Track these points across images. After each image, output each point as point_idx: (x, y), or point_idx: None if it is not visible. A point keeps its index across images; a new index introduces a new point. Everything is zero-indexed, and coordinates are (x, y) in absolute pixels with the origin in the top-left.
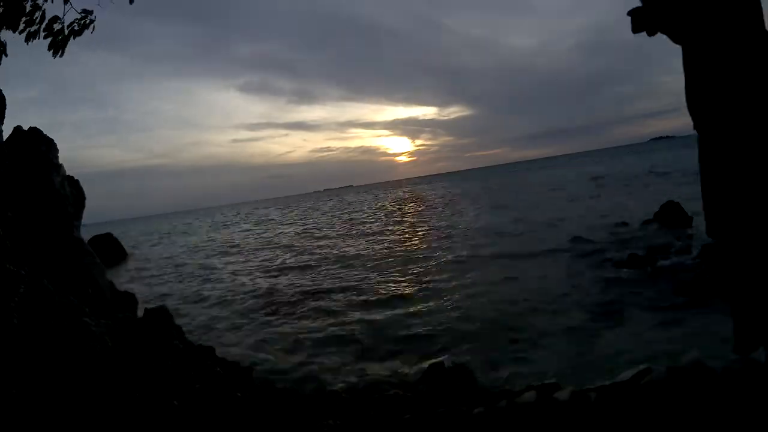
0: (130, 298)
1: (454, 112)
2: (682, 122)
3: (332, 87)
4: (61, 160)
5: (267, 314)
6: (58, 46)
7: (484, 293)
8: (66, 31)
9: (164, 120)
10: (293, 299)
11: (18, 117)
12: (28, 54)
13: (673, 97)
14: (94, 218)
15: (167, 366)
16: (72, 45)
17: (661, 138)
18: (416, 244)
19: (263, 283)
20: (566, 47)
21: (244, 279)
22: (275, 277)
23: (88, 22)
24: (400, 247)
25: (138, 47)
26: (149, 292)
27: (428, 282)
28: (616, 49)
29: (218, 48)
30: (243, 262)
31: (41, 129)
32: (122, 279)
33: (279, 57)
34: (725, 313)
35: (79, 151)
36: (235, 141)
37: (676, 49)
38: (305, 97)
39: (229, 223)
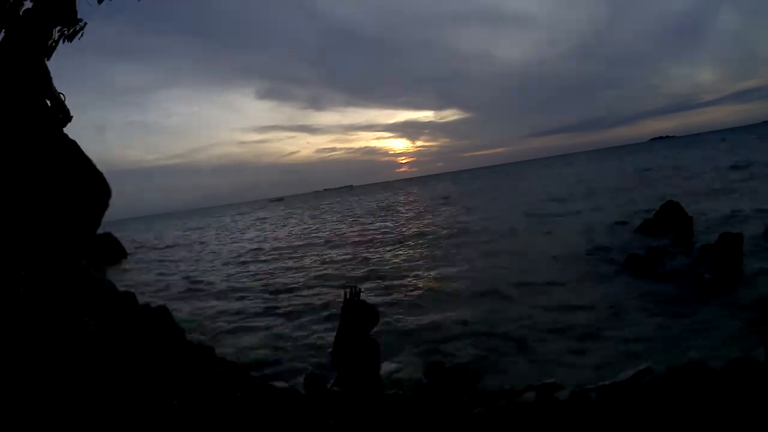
0: (130, 298)
1: (450, 115)
2: (680, 122)
3: (337, 93)
4: (97, 158)
5: (262, 312)
6: (49, 50)
7: (480, 294)
8: (56, 36)
9: (183, 123)
10: (289, 298)
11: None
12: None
13: (669, 99)
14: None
15: (167, 366)
16: (110, 56)
17: (660, 138)
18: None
19: (257, 281)
20: (556, 56)
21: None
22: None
23: (78, 29)
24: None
25: (163, 59)
26: (148, 291)
27: (422, 283)
28: (605, 56)
29: (234, 59)
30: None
31: (91, 127)
32: (120, 278)
33: (289, 67)
34: (725, 313)
35: (110, 151)
36: (244, 143)
37: (663, 54)
38: (313, 102)
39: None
